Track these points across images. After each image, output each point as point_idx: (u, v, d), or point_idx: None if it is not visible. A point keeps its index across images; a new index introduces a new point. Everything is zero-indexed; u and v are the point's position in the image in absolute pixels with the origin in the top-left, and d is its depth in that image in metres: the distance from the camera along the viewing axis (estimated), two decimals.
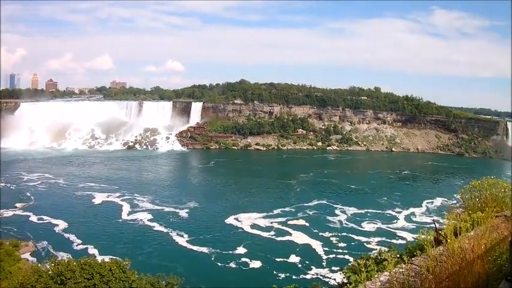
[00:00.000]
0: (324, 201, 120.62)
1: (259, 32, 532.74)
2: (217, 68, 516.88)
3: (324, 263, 77.87)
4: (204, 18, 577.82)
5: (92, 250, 77.42)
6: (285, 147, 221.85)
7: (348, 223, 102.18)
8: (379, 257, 14.36)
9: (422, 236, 10.38)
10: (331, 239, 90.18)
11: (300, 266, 76.57)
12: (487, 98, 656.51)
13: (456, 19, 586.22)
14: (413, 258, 9.82)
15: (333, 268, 71.49)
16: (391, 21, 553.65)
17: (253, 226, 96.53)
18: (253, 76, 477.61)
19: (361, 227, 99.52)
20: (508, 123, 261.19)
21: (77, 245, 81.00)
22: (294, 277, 70.44)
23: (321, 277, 70.38)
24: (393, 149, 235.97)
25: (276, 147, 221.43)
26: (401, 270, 8.70)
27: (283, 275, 72.07)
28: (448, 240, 8.71)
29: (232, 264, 76.65)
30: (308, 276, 71.59)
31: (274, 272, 73.09)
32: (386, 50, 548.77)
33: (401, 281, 8.37)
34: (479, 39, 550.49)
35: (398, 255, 14.75)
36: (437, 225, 14.96)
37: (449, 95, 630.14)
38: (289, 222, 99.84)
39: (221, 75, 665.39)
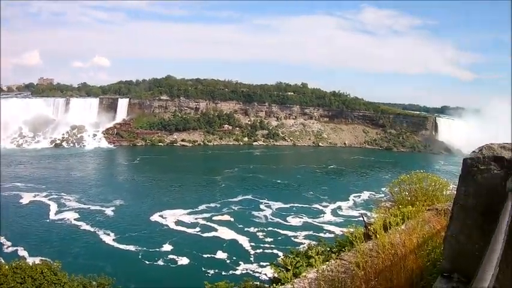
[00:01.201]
0: (250, 196, 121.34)
1: (185, 27, 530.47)
2: (143, 63, 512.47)
3: (252, 258, 78.22)
4: (129, 13, 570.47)
5: (22, 252, 75.43)
6: (211, 143, 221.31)
7: (273, 218, 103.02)
8: (309, 252, 14.28)
9: (351, 230, 10.27)
10: (258, 234, 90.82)
11: (228, 261, 76.65)
12: (416, 94, 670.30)
13: (387, 17, 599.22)
14: (342, 254, 9.71)
15: (262, 263, 71.73)
16: (320, 18, 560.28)
17: (179, 223, 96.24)
18: (180, 72, 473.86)
19: (287, 221, 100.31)
20: (437, 118, 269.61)
21: (6, 248, 78.82)
22: (223, 273, 70.26)
23: (251, 272, 70.51)
24: (320, 144, 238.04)
25: (202, 143, 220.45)
26: (330, 266, 8.54)
27: (212, 271, 71.93)
28: (378, 235, 8.59)
29: (160, 262, 76.23)
30: (238, 272, 71.70)
31: (203, 269, 72.92)
32: (314, 46, 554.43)
33: (330, 277, 8.22)
34: (410, 36, 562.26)
35: (328, 248, 14.75)
36: (365, 219, 14.98)
37: (379, 91, 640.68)
38: (214, 218, 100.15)
39: (148, 71, 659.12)
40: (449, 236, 4.79)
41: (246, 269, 72.97)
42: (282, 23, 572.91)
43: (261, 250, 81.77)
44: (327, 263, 9.25)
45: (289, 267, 11.56)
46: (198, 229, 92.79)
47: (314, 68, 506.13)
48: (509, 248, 4.46)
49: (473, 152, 4.74)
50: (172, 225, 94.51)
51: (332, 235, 69.43)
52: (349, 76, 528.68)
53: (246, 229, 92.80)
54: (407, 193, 15.15)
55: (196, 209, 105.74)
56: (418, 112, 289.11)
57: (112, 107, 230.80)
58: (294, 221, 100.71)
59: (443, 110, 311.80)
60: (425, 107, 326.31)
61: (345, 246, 12.09)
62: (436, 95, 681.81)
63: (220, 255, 79.26)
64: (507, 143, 5.02)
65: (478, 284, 2.21)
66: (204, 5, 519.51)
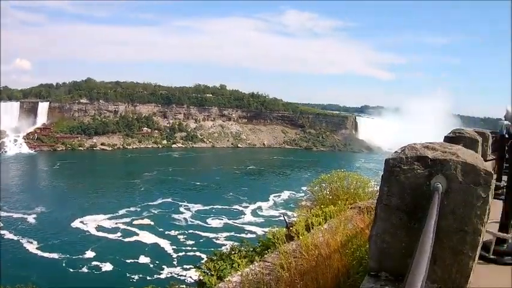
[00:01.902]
0: (169, 199, 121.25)
1: (107, 29, 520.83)
2: (65, 66, 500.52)
3: (175, 262, 78.05)
4: (51, 14, 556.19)
5: None
6: (131, 147, 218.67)
7: (193, 220, 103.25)
8: (232, 253, 14.29)
9: (274, 230, 10.31)
10: (179, 237, 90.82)
11: (151, 266, 76.29)
12: (337, 94, 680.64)
13: (308, 19, 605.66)
14: (265, 256, 9.72)
15: (185, 266, 71.58)
16: (240, 20, 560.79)
17: (100, 228, 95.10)
18: (101, 75, 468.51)
19: (208, 223, 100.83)
20: (357, 117, 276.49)
21: None
22: (148, 278, 70.03)
23: (175, 276, 70.31)
24: (239, 145, 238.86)
25: (121, 146, 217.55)
26: (254, 269, 8.56)
27: (136, 277, 71.52)
28: (301, 236, 8.67)
29: (85, 269, 75.42)
30: (162, 276, 71.47)
31: (127, 274, 72.37)
32: (234, 48, 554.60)
33: (255, 280, 8.24)
34: (330, 38, 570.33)
35: (252, 249, 14.78)
36: (286, 219, 15.07)
37: (299, 92, 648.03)
38: (135, 222, 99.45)
39: (70, 74, 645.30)
40: (374, 235, 4.86)
41: (171, 273, 72.70)
42: (202, 25, 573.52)
43: (183, 253, 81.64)
44: (250, 266, 9.27)
45: (213, 272, 11.53)
46: (119, 234, 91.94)
47: (233, 70, 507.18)
48: (437, 245, 4.59)
49: (396, 152, 4.82)
50: (94, 231, 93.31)
51: (254, 235, 69.96)
52: (269, 77, 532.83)
53: (167, 232, 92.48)
54: (328, 192, 15.34)
55: (117, 214, 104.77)
56: (337, 112, 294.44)
57: (32, 111, 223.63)
58: (214, 222, 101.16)
59: (363, 110, 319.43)
60: (345, 106, 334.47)
61: (269, 246, 12.15)
62: (357, 95, 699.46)
63: (144, 259, 78.78)
64: (430, 143, 5.13)
65: (410, 283, 2.25)
66: (126, 7, 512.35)
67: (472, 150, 13.58)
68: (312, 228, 9.20)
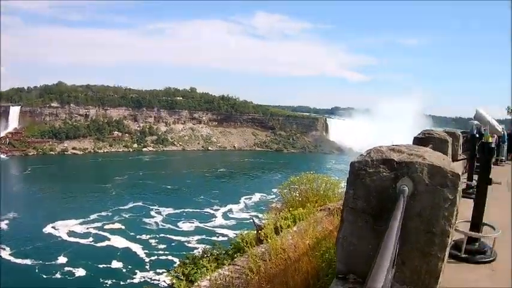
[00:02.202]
0: (140, 203, 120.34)
1: (81, 32, 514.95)
2: (37, 69, 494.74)
3: (148, 266, 77.57)
4: (25, 17, 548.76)
5: None
6: (101, 151, 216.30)
7: (164, 224, 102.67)
8: (204, 256, 14.31)
9: (243, 233, 10.33)
10: (150, 241, 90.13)
11: (124, 270, 75.67)
12: (307, 96, 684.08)
13: (278, 21, 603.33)
14: (235, 259, 9.71)
15: (158, 270, 71.35)
16: (213, 22, 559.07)
17: (71, 233, 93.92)
18: (73, 78, 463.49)
19: (179, 227, 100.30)
20: (327, 119, 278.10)
21: None
22: (121, 283, 69.87)
23: (148, 280, 70.00)
24: (209, 148, 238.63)
25: (92, 150, 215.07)
26: (223, 272, 8.55)
27: (109, 282, 70.97)
28: (269, 239, 8.66)
29: (58, 275, 74.31)
30: (135, 281, 71.07)
31: (101, 280, 71.58)
32: (206, 50, 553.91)
33: (225, 284, 8.22)
34: (300, 40, 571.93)
35: (224, 252, 14.77)
36: (257, 221, 15.06)
37: (270, 94, 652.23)
38: (106, 227, 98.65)
39: (43, 77, 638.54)
40: (341, 238, 4.87)
41: (144, 277, 72.34)
42: (174, 28, 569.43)
43: (155, 257, 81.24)
44: (219, 270, 9.25)
45: (182, 277, 11.49)
46: (91, 239, 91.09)
47: (204, 73, 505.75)
48: (405, 247, 4.58)
49: (361, 155, 4.84)
50: (66, 237, 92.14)
51: (225, 238, 69.96)
52: (240, 80, 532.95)
53: (138, 237, 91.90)
54: (298, 194, 15.37)
55: (88, 219, 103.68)
56: (308, 114, 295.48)
57: (4, 116, 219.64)
58: (185, 226, 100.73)
59: (334, 111, 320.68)
60: (315, 108, 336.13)
61: (240, 249, 12.15)
62: (328, 97, 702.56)
63: (116, 264, 78.05)
64: (396, 145, 5.14)
65: (371, 284, 2.21)
66: (100, 10, 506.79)
67: (440, 152, 13.75)
68: (281, 231, 9.19)
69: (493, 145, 32.57)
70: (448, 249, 4.68)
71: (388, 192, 4.49)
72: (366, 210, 4.61)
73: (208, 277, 8.77)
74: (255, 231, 11.48)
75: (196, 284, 9.39)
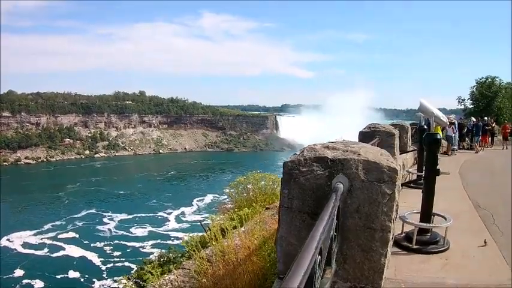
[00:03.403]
0: (93, 210, 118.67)
1: (30, 38, 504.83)
2: None
3: (105, 274, 76.61)
4: None
5: None
6: (54, 159, 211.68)
7: (117, 230, 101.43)
8: (161, 260, 14.26)
9: (187, 237, 10.26)
10: (105, 248, 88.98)
11: (82, 280, 74.65)
12: (256, 95, 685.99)
13: (224, 22, 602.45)
14: (184, 263, 9.63)
15: (115, 278, 70.80)
16: (160, 25, 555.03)
17: (26, 245, 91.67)
18: (22, 86, 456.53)
19: (132, 232, 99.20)
20: (277, 116, 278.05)
21: None
22: None
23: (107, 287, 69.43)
24: (161, 151, 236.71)
25: (45, 159, 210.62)
26: (168, 277, 8.47)
27: None
28: (216, 241, 8.61)
29: None
30: None
31: None
32: (154, 53, 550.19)
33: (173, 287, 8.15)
34: (246, 40, 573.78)
35: (180, 255, 14.66)
36: (210, 222, 14.96)
37: (219, 94, 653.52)
38: (60, 236, 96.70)
39: None
40: (279, 238, 4.86)
41: (102, 285, 71.61)
42: (123, 32, 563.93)
43: (111, 264, 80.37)
44: (165, 275, 9.15)
45: (141, 283, 11.35)
46: (46, 250, 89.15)
47: (153, 75, 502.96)
48: (345, 244, 4.51)
49: (295, 154, 4.79)
50: (21, 249, 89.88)
51: (180, 241, 69.65)
52: (188, 82, 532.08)
53: (92, 245, 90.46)
54: (245, 194, 15.33)
55: (43, 229, 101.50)
56: (258, 112, 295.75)
57: None
58: (138, 231, 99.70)
59: (283, 109, 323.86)
60: (265, 106, 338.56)
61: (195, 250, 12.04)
62: (277, 95, 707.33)
63: (73, 274, 76.72)
64: (331, 142, 5.11)
65: (287, 283, 2.10)
66: (49, 14, 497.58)
67: (387, 145, 13.74)
68: (227, 232, 9.14)
69: (452, 135, 33.29)
70: (390, 244, 4.65)
71: (323, 190, 4.47)
72: (302, 209, 4.58)
73: (157, 282, 8.66)
74: (204, 233, 11.41)
75: None
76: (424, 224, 9.72)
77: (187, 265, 9.24)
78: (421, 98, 11.65)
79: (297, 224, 4.60)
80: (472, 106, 76.12)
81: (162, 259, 14.92)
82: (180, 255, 14.72)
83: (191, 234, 10.44)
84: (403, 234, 9.91)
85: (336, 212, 3.86)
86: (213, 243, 8.61)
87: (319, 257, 2.99)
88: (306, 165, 4.54)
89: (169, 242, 79.29)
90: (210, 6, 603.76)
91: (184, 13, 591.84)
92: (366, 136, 13.18)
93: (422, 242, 9.51)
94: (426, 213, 9.87)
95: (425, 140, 10.29)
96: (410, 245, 9.40)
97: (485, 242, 9.59)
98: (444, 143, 35.97)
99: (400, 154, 18.52)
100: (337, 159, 4.45)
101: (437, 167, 9.96)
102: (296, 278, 2.21)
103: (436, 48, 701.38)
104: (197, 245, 9.13)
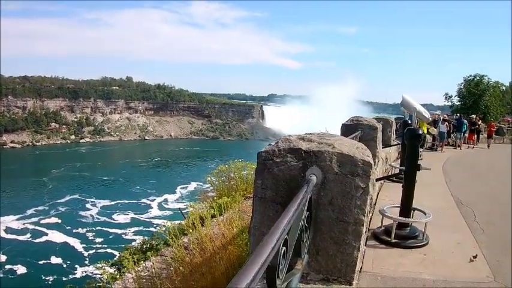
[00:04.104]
0: (77, 196, 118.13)
1: (18, 22, 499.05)
2: None
3: (87, 261, 76.18)
4: None
5: None
6: (40, 143, 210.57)
7: (100, 217, 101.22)
8: (144, 247, 14.28)
9: (164, 229, 10.24)
10: (87, 234, 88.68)
11: (64, 266, 74.42)
12: (243, 83, 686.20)
13: (214, 10, 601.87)
14: (163, 250, 9.65)
15: (98, 264, 70.36)
16: (148, 11, 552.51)
17: (9, 230, 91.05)
18: (10, 70, 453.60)
19: (114, 219, 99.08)
20: (263, 106, 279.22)
21: None
22: (63, 278, 68.20)
23: (90, 274, 69.01)
24: (146, 138, 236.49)
25: (31, 143, 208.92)
26: (146, 265, 8.49)
27: (51, 278, 69.53)
28: (194, 229, 8.62)
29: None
30: (77, 276, 69.73)
31: (43, 277, 70.13)
32: (142, 39, 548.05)
33: (151, 275, 8.16)
34: (236, 29, 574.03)
35: (163, 242, 14.65)
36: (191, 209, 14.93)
37: (206, 82, 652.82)
38: (43, 222, 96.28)
39: None
40: (252, 228, 4.87)
41: (85, 272, 70.92)
42: (111, 17, 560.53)
43: (94, 251, 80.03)
44: (143, 263, 9.16)
45: (104, 272, 11.28)
46: (29, 235, 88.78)
47: (141, 62, 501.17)
48: (318, 236, 4.51)
49: (269, 144, 4.80)
50: (3, 234, 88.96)
51: (172, 229, 69.47)
52: (176, 68, 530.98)
53: (75, 231, 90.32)
54: (227, 183, 15.36)
55: (25, 214, 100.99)
56: (244, 101, 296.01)
57: None
58: (120, 218, 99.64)
59: (270, 98, 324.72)
60: (251, 96, 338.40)
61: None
62: (264, 84, 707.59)
63: (56, 260, 76.55)
64: (308, 134, 5.12)
65: (233, 284, 2.05)
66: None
67: (370, 138, 13.74)
68: (205, 220, 9.14)
69: (445, 131, 33.50)
70: (363, 237, 4.68)
71: (297, 181, 4.47)
72: (276, 200, 4.59)
73: (133, 269, 8.65)
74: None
75: (124, 276, 9.29)
76: (403, 219, 9.75)
77: (166, 252, 9.25)
78: (404, 93, 11.69)
79: (270, 214, 4.60)
80: (459, 103, 76.47)
81: (145, 246, 14.90)
82: (162, 242, 14.72)
83: (170, 222, 10.39)
84: (383, 228, 9.94)
85: (306, 204, 3.87)
86: (190, 231, 8.61)
87: (284, 248, 2.99)
88: (280, 156, 4.54)
89: (151, 229, 79.12)
90: None
91: (173, 0, 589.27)
92: (348, 129, 13.20)
93: (401, 237, 9.55)
94: (406, 207, 9.91)
95: (407, 134, 10.31)
96: (389, 239, 9.43)
97: (474, 257, 9.46)
98: (429, 138, 36.17)
99: (383, 148, 18.56)
100: (311, 151, 4.45)
101: (419, 162, 9.99)
102: (253, 267, 2.19)
103: (426, 44, 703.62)
104: (175, 233, 9.14)
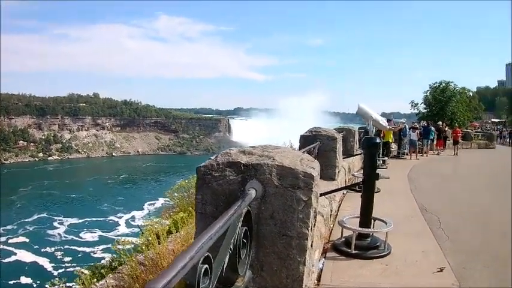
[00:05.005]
0: (45, 214, 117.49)
1: None
2: None
3: (57, 280, 75.94)
4: None
5: None
6: (8, 161, 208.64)
7: (67, 235, 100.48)
8: (112, 264, 14.17)
9: (119, 246, 10.15)
10: (56, 253, 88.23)
11: (34, 285, 74.04)
12: (210, 98, 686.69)
13: (179, 24, 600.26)
14: (120, 267, 9.58)
15: (68, 284, 69.95)
16: (115, 26, 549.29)
17: None
18: None
19: (82, 237, 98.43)
20: (230, 120, 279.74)
21: None
22: None
23: None
24: (114, 154, 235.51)
25: None
26: (103, 283, 8.39)
27: None
28: (143, 247, 8.58)
29: None
30: None
31: None
32: (109, 54, 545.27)
33: None
34: (202, 42, 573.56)
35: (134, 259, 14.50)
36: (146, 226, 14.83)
37: (172, 97, 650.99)
38: (11, 241, 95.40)
39: None
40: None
41: None
42: (80, 32, 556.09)
43: (63, 270, 79.10)
44: (94, 280, 9.04)
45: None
46: None
47: (108, 77, 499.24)
48: (261, 252, 4.42)
49: (209, 159, 4.75)
50: None
51: (131, 246, 69.23)
52: (142, 84, 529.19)
53: (43, 250, 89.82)
54: (187, 199, 15.27)
55: None
56: (210, 115, 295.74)
57: None
58: (88, 236, 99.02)
59: (236, 112, 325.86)
60: (218, 110, 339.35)
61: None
62: (230, 98, 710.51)
63: (25, 280, 76.14)
64: (252, 147, 5.08)
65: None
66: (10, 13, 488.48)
67: (329, 148, 13.74)
68: (160, 237, 9.07)
69: (415, 139, 33.86)
70: (308, 252, 4.62)
71: (236, 196, 4.44)
72: (216, 215, 4.55)
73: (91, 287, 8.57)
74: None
75: None
76: (363, 229, 9.71)
77: (124, 269, 9.17)
78: (359, 102, 11.72)
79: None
80: (425, 110, 77.18)
81: (113, 263, 14.72)
82: (120, 259, 14.61)
83: (121, 239, 10.29)
84: (343, 239, 9.87)
85: (241, 218, 3.80)
86: (143, 248, 8.54)
87: (206, 265, 2.89)
88: (218, 170, 4.51)
89: (120, 246, 78.86)
90: (167, 8, 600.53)
91: (140, 15, 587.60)
92: (307, 140, 13.27)
93: (362, 247, 9.46)
94: (365, 217, 9.85)
95: (364, 143, 10.30)
96: (349, 250, 9.34)
97: (441, 269, 9.35)
98: (394, 146, 36.44)
99: (346, 158, 18.60)
100: (251, 164, 4.42)
101: (383, 171, 9.97)
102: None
103: (392, 53, 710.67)
104: (129, 250, 9.06)
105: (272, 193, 4.38)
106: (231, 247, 3.56)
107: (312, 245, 4.71)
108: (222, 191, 4.48)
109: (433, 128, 43.30)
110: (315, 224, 4.69)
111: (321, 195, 9.96)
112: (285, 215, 4.41)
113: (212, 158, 4.76)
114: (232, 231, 3.49)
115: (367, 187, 9.86)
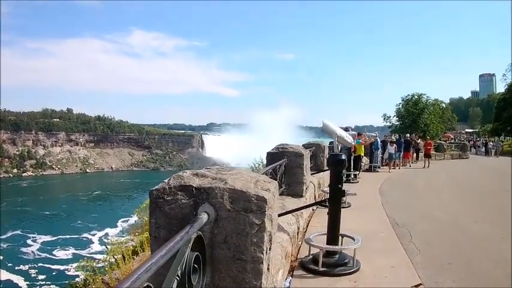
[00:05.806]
0: (19, 232, 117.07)
1: None
2: None
3: None
4: None
5: None
6: None
7: (41, 253, 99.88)
8: (87, 282, 14.23)
9: (82, 264, 10.17)
10: (30, 271, 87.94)
11: None
12: (182, 113, 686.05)
13: (153, 39, 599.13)
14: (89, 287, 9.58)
15: None
16: (88, 41, 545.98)
17: None
18: None
19: (55, 255, 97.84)
20: (203, 135, 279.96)
21: None
22: None
23: None
24: (87, 170, 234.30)
25: None
26: None
27: None
28: (107, 269, 8.55)
29: None
30: None
31: None
32: (81, 70, 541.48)
33: None
34: (175, 58, 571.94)
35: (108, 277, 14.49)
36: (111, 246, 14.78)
37: (145, 112, 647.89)
38: None
39: None
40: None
41: None
42: (54, 47, 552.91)
43: None
44: None
45: None
46: None
47: (82, 92, 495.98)
48: (216, 276, 4.40)
49: (163, 182, 4.72)
50: None
51: (104, 263, 68.84)
52: (115, 100, 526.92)
53: (17, 268, 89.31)
54: None
55: None
56: (183, 131, 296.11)
57: None
58: (61, 254, 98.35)
59: (209, 127, 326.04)
60: (190, 125, 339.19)
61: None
62: (203, 113, 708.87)
63: None
64: (207, 168, 5.05)
65: None
66: None
67: (296, 165, 13.72)
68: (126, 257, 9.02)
69: (393, 152, 34.25)
70: (264, 276, 4.59)
71: (189, 220, 4.37)
72: (169, 239, 4.47)
73: None
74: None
75: None
76: (329, 247, 9.66)
77: None
78: (324, 118, 11.72)
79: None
80: (398, 123, 77.61)
81: (87, 281, 14.70)
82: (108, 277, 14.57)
83: (85, 261, 10.28)
84: (310, 257, 9.77)
85: (190, 244, 3.77)
86: (106, 269, 8.50)
87: None
88: (170, 193, 4.46)
89: (94, 264, 78.45)
90: (141, 23, 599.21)
91: (114, 30, 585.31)
92: (273, 157, 13.26)
93: (330, 264, 9.36)
94: (333, 234, 9.79)
95: (329, 160, 10.27)
96: (317, 268, 9.27)
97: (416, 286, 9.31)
98: (366, 159, 36.66)
99: (316, 173, 18.61)
100: (202, 187, 4.38)
101: (343, 188, 9.94)
102: None
103: (365, 66, 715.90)
104: (95, 270, 9.05)
105: (225, 217, 4.35)
106: (179, 274, 3.52)
107: (268, 269, 4.69)
108: (174, 215, 4.45)
109: (402, 140, 43.82)
110: (270, 248, 4.67)
111: (287, 213, 10.04)
112: (238, 239, 4.38)
113: (165, 181, 4.74)
114: (180, 258, 3.47)
115: (333, 203, 9.81)
